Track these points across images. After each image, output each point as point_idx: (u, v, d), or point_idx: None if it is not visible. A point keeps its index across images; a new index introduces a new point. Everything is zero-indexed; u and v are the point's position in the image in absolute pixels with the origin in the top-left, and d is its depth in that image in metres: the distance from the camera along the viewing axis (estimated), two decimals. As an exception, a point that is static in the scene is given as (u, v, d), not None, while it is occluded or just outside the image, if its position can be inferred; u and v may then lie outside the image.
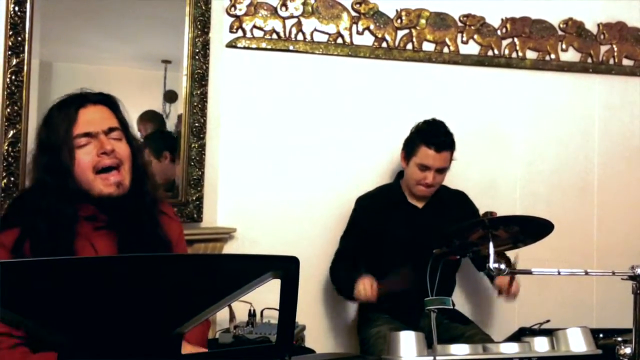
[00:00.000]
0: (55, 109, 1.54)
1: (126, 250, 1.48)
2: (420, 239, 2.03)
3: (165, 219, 1.61)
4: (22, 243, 1.43)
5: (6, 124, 2.07)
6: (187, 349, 1.41)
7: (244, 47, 2.62)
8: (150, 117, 2.52)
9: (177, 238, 1.64)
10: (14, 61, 2.07)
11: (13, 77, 2.07)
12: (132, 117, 2.47)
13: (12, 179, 2.06)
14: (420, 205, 2.46)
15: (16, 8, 2.08)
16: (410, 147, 2.39)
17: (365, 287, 2.19)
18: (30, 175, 1.56)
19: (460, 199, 2.55)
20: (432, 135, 2.33)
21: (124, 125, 1.56)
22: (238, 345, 2.03)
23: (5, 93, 2.06)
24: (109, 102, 1.56)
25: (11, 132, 2.07)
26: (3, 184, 2.05)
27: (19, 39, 2.08)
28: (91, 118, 1.51)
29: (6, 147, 2.06)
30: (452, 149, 2.37)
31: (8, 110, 2.06)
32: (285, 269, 0.96)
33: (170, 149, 2.50)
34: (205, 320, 1.68)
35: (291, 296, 0.97)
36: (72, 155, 1.47)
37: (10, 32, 2.06)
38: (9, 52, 2.06)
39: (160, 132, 2.53)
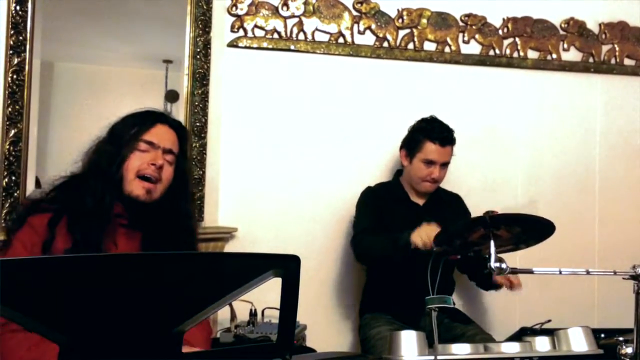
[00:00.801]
0: (136, 114, 1.70)
1: (149, 250, 1.58)
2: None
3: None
4: (56, 223, 1.52)
5: (7, 123, 2.06)
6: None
7: (245, 47, 2.62)
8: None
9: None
10: (15, 60, 2.07)
11: (14, 77, 2.07)
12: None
13: (13, 178, 2.06)
14: (421, 202, 2.48)
15: (17, 7, 2.08)
16: (413, 145, 2.41)
17: (433, 227, 2.05)
18: (82, 158, 1.66)
19: (456, 201, 2.58)
20: (436, 131, 2.37)
21: (181, 154, 1.72)
22: (239, 345, 2.03)
23: (7, 92, 2.06)
24: (181, 130, 1.74)
25: (12, 132, 2.07)
26: (4, 183, 2.05)
27: (20, 38, 2.08)
28: (161, 133, 1.67)
29: (7, 147, 2.06)
30: (454, 143, 2.41)
31: (9, 109, 2.06)
32: (286, 267, 0.96)
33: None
34: (207, 324, 1.70)
35: (292, 295, 0.97)
36: (131, 152, 1.62)
37: (12, 32, 2.06)
38: (11, 52, 2.06)
39: None
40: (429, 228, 2.04)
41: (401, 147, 2.48)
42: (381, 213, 2.39)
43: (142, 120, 1.67)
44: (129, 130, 1.65)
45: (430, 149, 2.36)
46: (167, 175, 1.66)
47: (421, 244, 2.03)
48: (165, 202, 1.65)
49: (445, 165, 2.40)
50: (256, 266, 0.95)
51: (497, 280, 2.29)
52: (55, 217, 1.54)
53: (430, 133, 2.37)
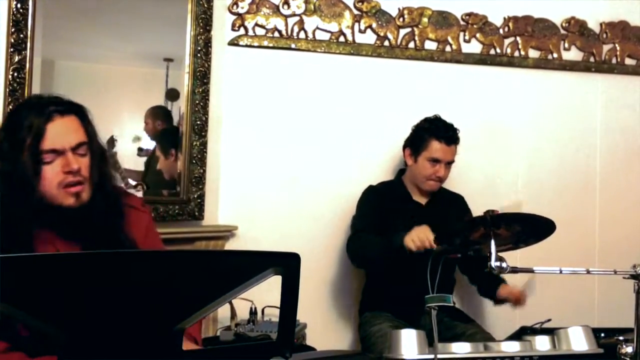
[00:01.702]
0: (19, 116, 1.48)
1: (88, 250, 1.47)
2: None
3: (132, 212, 1.60)
4: None
5: (8, 121, 2.06)
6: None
7: (246, 45, 2.62)
8: (161, 114, 2.53)
9: (145, 230, 1.62)
10: (16, 58, 2.07)
11: (15, 74, 2.07)
12: (135, 114, 2.52)
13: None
14: (423, 202, 2.48)
15: (18, 5, 2.08)
16: (418, 143, 2.42)
17: (425, 230, 2.05)
18: None
19: (459, 201, 2.58)
20: (442, 130, 2.39)
21: (90, 136, 1.53)
22: (239, 343, 2.03)
23: (7, 90, 2.06)
24: (78, 112, 1.52)
25: (13, 129, 2.07)
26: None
27: (21, 36, 2.08)
28: (59, 132, 1.46)
29: (8, 144, 2.06)
30: (458, 142, 2.43)
31: (10, 107, 2.06)
32: (286, 265, 0.96)
33: (176, 146, 2.51)
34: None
35: (292, 292, 0.97)
36: (38, 170, 1.44)
37: (13, 29, 2.06)
38: (11, 49, 2.06)
39: (169, 130, 2.53)
40: (422, 231, 2.04)
41: (405, 146, 2.48)
42: (382, 212, 2.39)
43: (31, 127, 1.43)
44: (21, 144, 1.43)
45: (436, 148, 2.37)
46: (87, 169, 1.49)
47: (414, 247, 2.03)
48: (94, 199, 1.51)
49: (449, 164, 2.42)
50: (256, 264, 0.96)
51: (501, 295, 2.30)
52: None
53: (436, 132, 2.38)
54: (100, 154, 1.57)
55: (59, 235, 1.49)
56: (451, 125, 2.42)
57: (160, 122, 2.52)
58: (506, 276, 2.35)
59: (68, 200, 1.47)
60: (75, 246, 1.48)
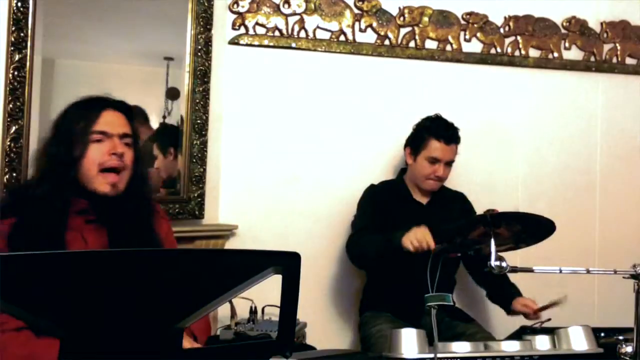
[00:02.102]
0: (78, 105, 1.63)
1: (116, 245, 1.53)
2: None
3: (156, 217, 1.71)
4: (19, 231, 1.48)
5: (8, 119, 2.06)
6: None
7: (247, 44, 2.62)
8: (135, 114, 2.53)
9: (165, 235, 1.71)
10: (17, 57, 2.07)
11: (15, 73, 2.07)
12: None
13: (14, 174, 2.06)
14: (424, 201, 2.48)
15: (19, 4, 2.08)
16: (418, 142, 2.41)
17: (424, 231, 2.01)
18: (33, 164, 1.63)
19: (460, 200, 2.57)
20: (441, 129, 2.38)
21: (135, 134, 1.66)
22: (239, 342, 2.03)
23: (8, 89, 2.06)
24: (128, 111, 1.67)
25: (13, 128, 2.07)
26: (5, 180, 2.05)
27: (22, 34, 2.08)
28: (110, 120, 1.61)
29: (8, 143, 2.06)
30: (458, 141, 2.42)
31: (10, 106, 2.06)
32: (286, 264, 0.96)
33: (175, 145, 2.50)
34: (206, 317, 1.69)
35: (292, 292, 0.97)
36: (85, 148, 1.55)
37: (13, 28, 2.06)
38: (12, 48, 2.06)
39: (168, 128, 2.53)
40: (420, 232, 2.01)
41: (405, 145, 2.48)
42: (382, 212, 2.39)
43: (87, 112, 1.60)
44: (75, 125, 1.58)
45: (435, 147, 2.36)
46: (129, 160, 1.61)
47: (412, 248, 2.00)
48: (129, 192, 1.60)
49: (449, 163, 2.41)
50: (257, 263, 0.96)
51: (516, 308, 2.27)
52: (17, 227, 1.48)
53: (436, 131, 2.38)
54: (140, 155, 1.69)
55: (87, 223, 1.56)
56: (451, 125, 2.41)
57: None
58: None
59: (104, 187, 1.56)
60: (102, 236, 1.55)
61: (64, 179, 1.53)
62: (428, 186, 2.43)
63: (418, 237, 1.99)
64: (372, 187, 2.51)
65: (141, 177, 1.67)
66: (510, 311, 2.33)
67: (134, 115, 1.70)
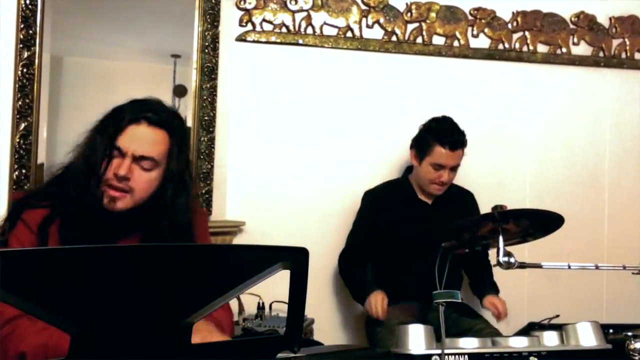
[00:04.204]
0: (119, 108, 1.50)
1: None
2: (430, 235, 2.02)
3: (195, 217, 1.59)
4: (49, 223, 1.43)
5: (18, 116, 2.08)
6: (214, 336, 1.40)
7: (254, 41, 2.62)
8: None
9: (202, 230, 1.63)
10: (26, 54, 2.08)
11: (24, 70, 2.08)
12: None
13: (23, 171, 2.07)
14: (430, 201, 2.47)
15: (28, 1, 2.09)
16: (423, 147, 2.37)
17: (377, 304, 2.25)
18: (72, 152, 1.51)
19: (468, 198, 2.56)
20: (446, 134, 2.32)
21: (171, 154, 1.49)
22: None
23: (17, 86, 2.08)
24: (169, 126, 1.49)
25: (22, 125, 2.09)
26: (15, 176, 2.07)
27: (30, 32, 2.09)
28: (135, 136, 1.46)
29: (18, 140, 2.08)
30: (464, 146, 2.37)
31: (20, 103, 2.08)
32: (294, 259, 0.96)
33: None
34: (229, 308, 1.67)
35: (300, 287, 0.97)
36: (101, 160, 1.45)
37: (22, 25, 2.08)
38: (21, 45, 2.08)
39: None
40: (375, 302, 2.24)
41: (411, 147, 2.45)
42: (381, 218, 2.40)
43: (119, 119, 1.46)
44: (107, 130, 1.46)
45: (440, 153, 2.32)
46: (143, 184, 1.46)
47: (374, 314, 2.25)
48: (148, 209, 1.47)
49: (455, 168, 2.38)
50: (265, 258, 0.96)
51: (485, 304, 2.38)
52: (48, 217, 1.43)
53: (441, 137, 2.31)
54: (178, 172, 1.51)
55: (118, 230, 1.47)
56: (457, 129, 2.35)
57: None
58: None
59: (104, 199, 1.45)
60: (135, 236, 1.49)
61: (89, 184, 1.45)
62: (432, 190, 2.40)
63: (371, 307, 2.25)
64: (368, 194, 2.49)
65: (168, 207, 1.48)
66: (482, 305, 2.42)
67: (177, 128, 1.50)
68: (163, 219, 1.49)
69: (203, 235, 1.65)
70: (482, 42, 2.86)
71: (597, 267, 1.63)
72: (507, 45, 2.89)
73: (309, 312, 2.22)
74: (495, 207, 1.63)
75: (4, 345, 1.38)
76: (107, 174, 1.45)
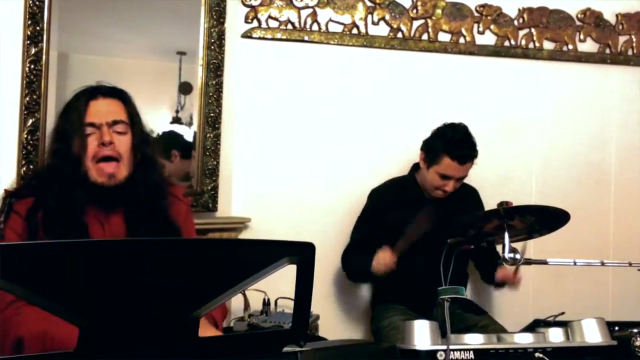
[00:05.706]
0: (71, 100, 1.63)
1: (134, 231, 1.56)
2: (435, 232, 2.03)
3: (172, 199, 1.69)
4: (36, 211, 1.53)
5: (25, 112, 2.09)
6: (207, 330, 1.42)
7: (259, 38, 2.63)
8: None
9: (183, 218, 1.70)
10: (33, 50, 2.09)
11: (32, 66, 2.09)
12: (149, 108, 2.53)
13: (30, 166, 2.08)
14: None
15: (35, -2, 2.10)
16: (432, 155, 2.34)
17: (385, 255, 2.25)
18: (45, 158, 1.67)
19: (473, 196, 2.55)
20: (457, 148, 2.28)
21: (132, 118, 1.62)
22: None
23: (24, 82, 2.09)
24: (121, 95, 1.64)
25: (30, 121, 2.10)
26: (22, 172, 2.08)
27: (37, 28, 2.10)
28: (99, 110, 1.59)
29: (25, 135, 2.09)
30: (474, 159, 2.34)
31: (27, 99, 2.09)
32: (301, 254, 0.96)
33: (178, 147, 2.52)
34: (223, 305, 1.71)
35: (307, 282, 0.97)
36: (85, 143, 1.56)
37: (29, 22, 2.09)
38: (28, 42, 2.09)
39: (165, 134, 2.54)
40: (382, 256, 2.25)
41: (421, 148, 2.42)
42: (383, 219, 2.39)
43: (77, 104, 1.59)
44: (69, 122, 1.58)
45: (448, 165, 2.29)
46: (125, 148, 1.58)
47: (383, 266, 2.25)
48: (135, 178, 1.59)
49: (461, 179, 2.36)
50: (272, 253, 0.96)
51: (499, 277, 2.34)
52: (34, 207, 1.53)
53: (451, 149, 2.27)
54: (144, 138, 1.65)
55: (101, 209, 1.58)
56: (469, 143, 2.31)
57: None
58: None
59: (101, 178, 1.56)
60: (120, 221, 1.58)
61: (75, 174, 1.55)
62: (435, 195, 2.39)
63: (379, 262, 2.24)
64: (374, 193, 2.50)
65: (146, 160, 1.63)
66: (495, 284, 2.43)
67: (129, 98, 1.64)
68: (140, 188, 1.59)
69: (184, 223, 1.70)
70: (488, 38, 2.85)
71: (602, 264, 1.63)
72: (513, 42, 2.88)
73: (314, 308, 2.21)
74: (500, 204, 1.63)
75: (6, 326, 1.41)
76: (91, 151, 1.55)
